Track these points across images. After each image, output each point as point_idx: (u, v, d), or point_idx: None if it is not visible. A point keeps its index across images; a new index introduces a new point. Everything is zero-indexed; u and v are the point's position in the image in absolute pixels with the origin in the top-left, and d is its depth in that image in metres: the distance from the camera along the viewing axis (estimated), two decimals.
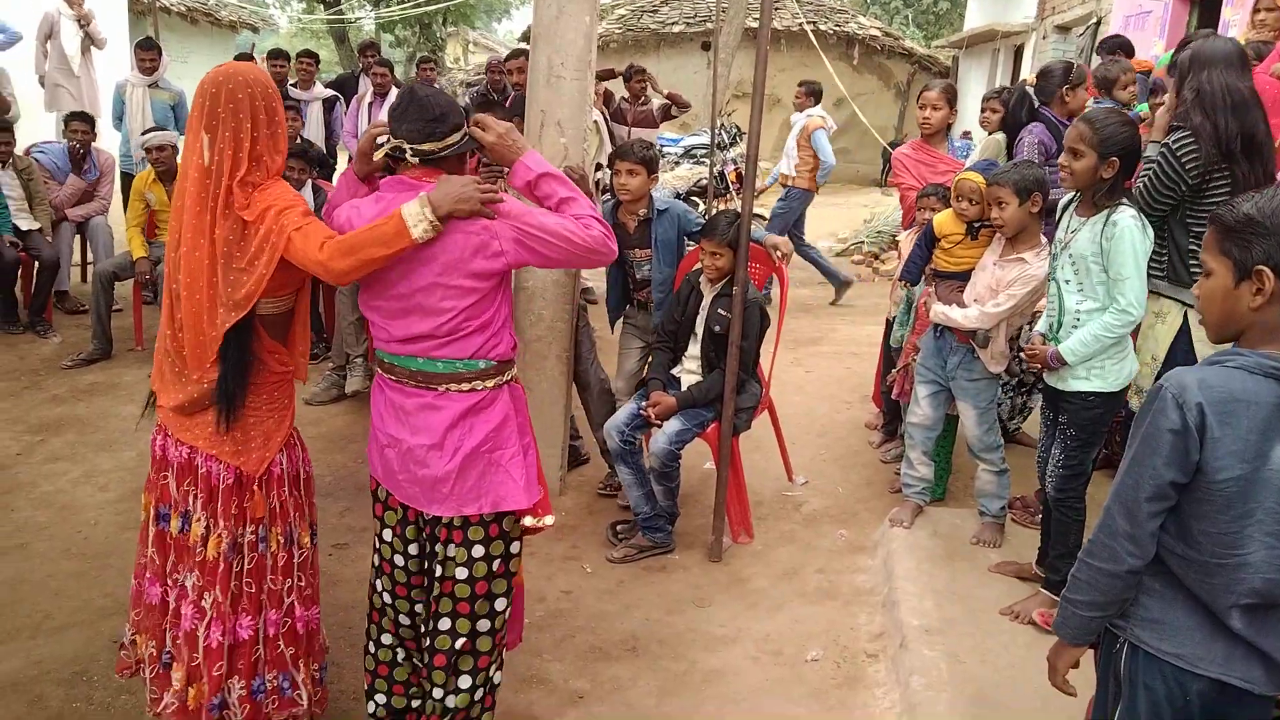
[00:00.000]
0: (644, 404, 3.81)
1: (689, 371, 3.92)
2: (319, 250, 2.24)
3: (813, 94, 8.42)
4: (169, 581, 2.46)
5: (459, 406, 2.36)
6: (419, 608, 2.57)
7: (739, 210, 3.69)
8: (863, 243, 10.81)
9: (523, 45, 9.14)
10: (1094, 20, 11.63)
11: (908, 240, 4.55)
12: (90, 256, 7.22)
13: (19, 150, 6.60)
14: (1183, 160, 3.23)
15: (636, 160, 3.93)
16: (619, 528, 4.04)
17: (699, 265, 3.89)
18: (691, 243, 4.13)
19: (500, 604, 2.51)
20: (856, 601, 3.61)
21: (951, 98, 4.80)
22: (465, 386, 2.36)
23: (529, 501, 2.45)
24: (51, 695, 2.90)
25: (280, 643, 2.49)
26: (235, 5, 19.20)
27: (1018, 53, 15.73)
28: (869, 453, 4.94)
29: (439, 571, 2.48)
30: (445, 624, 2.47)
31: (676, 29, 17.06)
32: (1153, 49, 9.12)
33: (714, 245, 3.74)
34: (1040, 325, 3.35)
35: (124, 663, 2.61)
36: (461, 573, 2.44)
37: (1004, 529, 3.87)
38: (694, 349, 3.90)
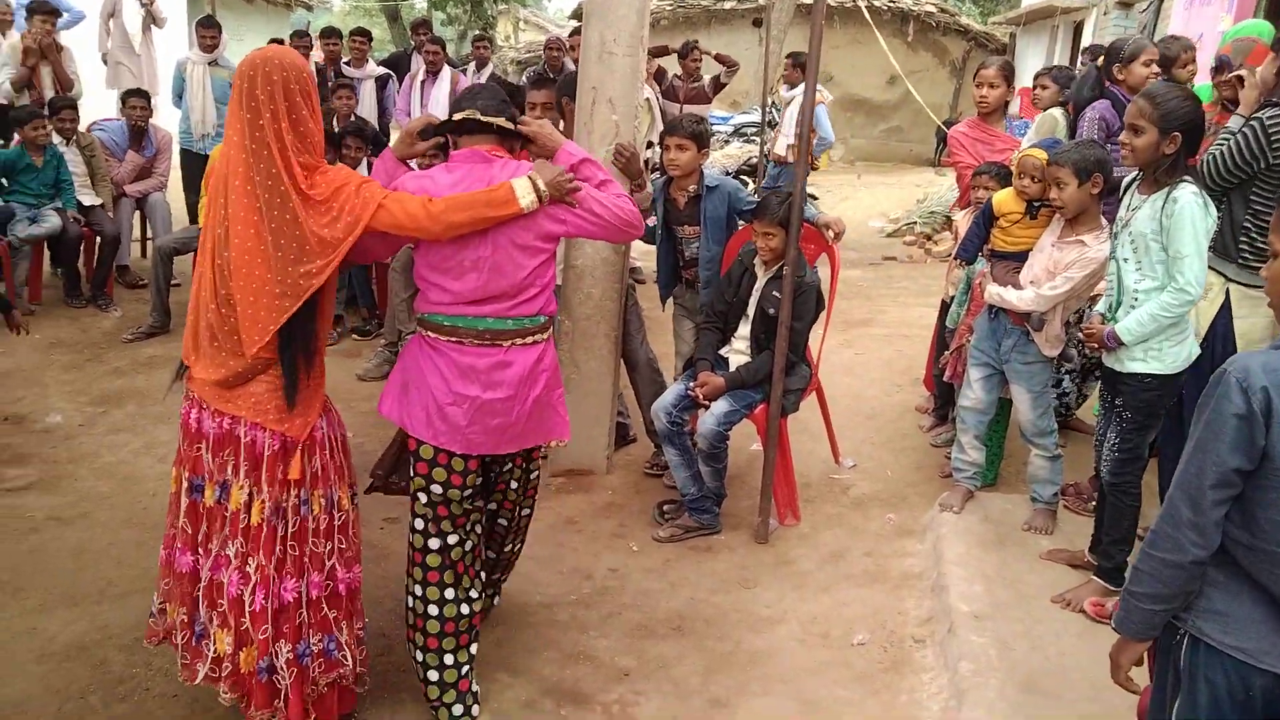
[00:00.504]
0: (692, 384, 3.80)
1: (737, 352, 3.89)
2: (427, 205, 2.46)
3: (801, 67, 8.30)
4: (200, 551, 2.53)
5: (527, 360, 2.64)
6: (478, 529, 2.86)
7: (789, 189, 3.65)
8: (915, 223, 10.64)
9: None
10: None
11: (964, 220, 4.48)
12: (149, 232, 7.38)
13: (81, 128, 6.75)
14: (1271, 138, 3.12)
15: (686, 135, 3.90)
16: (665, 507, 4.05)
17: (752, 246, 3.86)
18: (742, 222, 4.09)
19: (532, 500, 3.11)
20: (904, 585, 3.58)
21: (1009, 75, 4.70)
22: (529, 340, 2.65)
23: (569, 434, 2.88)
24: (114, 660, 2.98)
25: (324, 605, 2.57)
26: None
27: (1077, 29, 15.33)
28: (919, 436, 4.89)
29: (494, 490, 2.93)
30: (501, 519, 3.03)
31: (728, 5, 16.88)
32: (1220, 24, 8.83)
33: (766, 225, 3.70)
34: (1100, 305, 3.29)
35: (152, 630, 2.69)
36: (514, 485, 2.96)
37: (1056, 516, 3.81)
38: (744, 329, 3.88)
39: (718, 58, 8.30)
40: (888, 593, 3.54)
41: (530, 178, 2.52)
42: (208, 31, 7.61)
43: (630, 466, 4.54)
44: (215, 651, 2.51)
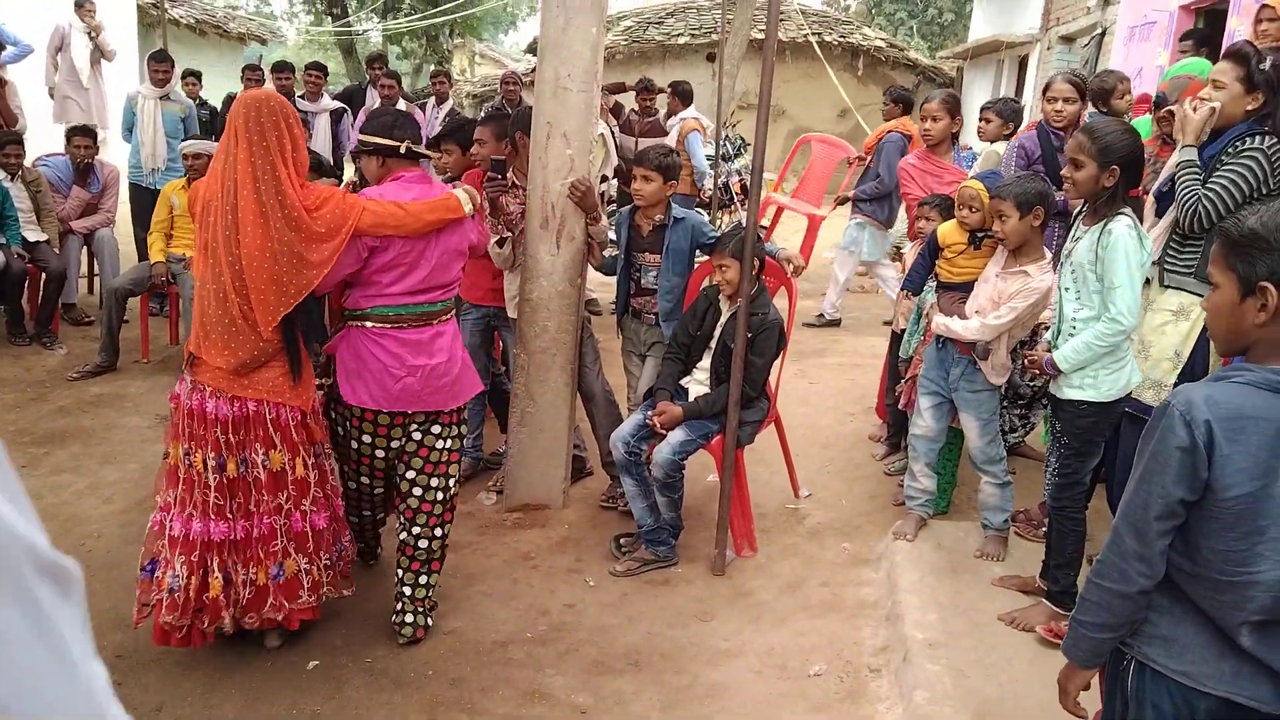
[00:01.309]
0: (650, 413, 3.81)
1: (697, 383, 3.92)
2: (403, 205, 3.09)
3: (681, 94, 8.39)
4: (234, 515, 2.97)
5: (448, 329, 3.32)
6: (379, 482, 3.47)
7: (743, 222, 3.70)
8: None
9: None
10: (1099, 31, 11.63)
11: (912, 251, 4.55)
12: (96, 269, 7.25)
13: (27, 163, 6.63)
14: (1275, 166, 3.19)
15: (653, 166, 3.95)
16: (622, 540, 4.03)
17: (715, 280, 3.90)
18: (704, 255, 4.13)
19: (455, 470, 3.45)
20: (860, 615, 3.60)
21: (953, 107, 4.80)
22: (448, 316, 3.34)
23: (482, 386, 3.67)
24: None
25: (335, 523, 3.23)
26: (244, 17, 19.31)
27: (1022, 64, 15.73)
28: (872, 465, 4.93)
29: (418, 448, 3.33)
30: (413, 476, 3.35)
31: (682, 40, 17.09)
32: (1157, 59, 9.12)
33: (722, 258, 3.75)
34: (1048, 333, 3.36)
35: (174, 602, 2.93)
36: (440, 444, 3.36)
37: (1007, 542, 3.86)
38: (705, 361, 3.91)
39: (671, 87, 8.44)
40: (844, 622, 3.55)
41: (466, 191, 3.29)
42: (160, 66, 7.54)
43: (587, 500, 4.52)
44: (287, 575, 3.03)
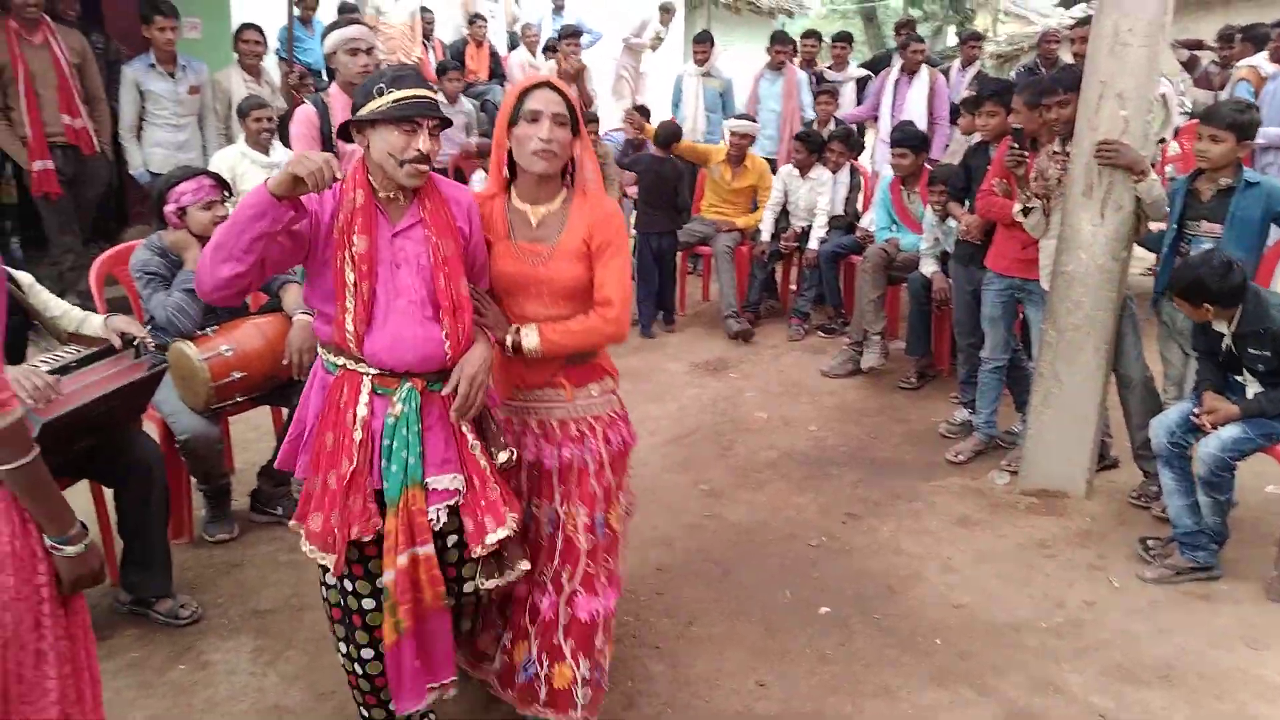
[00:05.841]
0: (1197, 408, 3.41)
1: (1256, 379, 3.41)
2: None
3: (1254, 39, 6.76)
4: None
5: None
6: None
7: None
8: None
9: (1080, 14, 8.66)
10: None
11: None
12: None
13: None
14: None
15: (1223, 125, 3.49)
16: (1150, 543, 3.67)
17: None
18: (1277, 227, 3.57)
19: None
20: None
21: None
22: None
23: None
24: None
25: None
26: None
27: None
28: None
29: None
30: None
31: None
32: None
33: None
34: None
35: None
36: None
37: None
38: None
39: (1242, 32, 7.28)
40: None
41: None
42: (699, 46, 8.16)
43: (1112, 493, 4.18)
44: None
